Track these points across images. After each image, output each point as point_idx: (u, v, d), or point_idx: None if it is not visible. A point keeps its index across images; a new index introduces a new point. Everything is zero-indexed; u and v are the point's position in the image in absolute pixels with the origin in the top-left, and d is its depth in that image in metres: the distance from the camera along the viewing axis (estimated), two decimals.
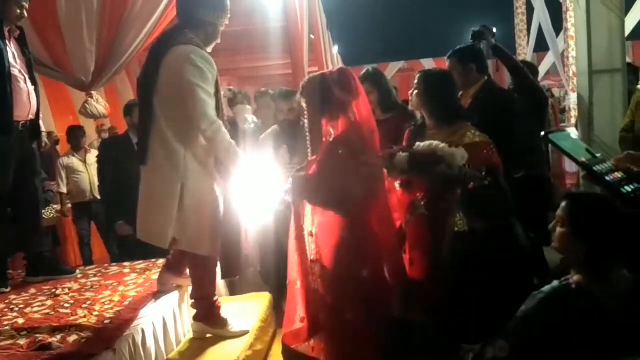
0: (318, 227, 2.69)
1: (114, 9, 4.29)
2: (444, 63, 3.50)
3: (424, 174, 2.63)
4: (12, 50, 3.27)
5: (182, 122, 2.60)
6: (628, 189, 1.10)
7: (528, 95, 3.63)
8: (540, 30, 9.61)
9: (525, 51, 10.57)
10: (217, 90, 2.69)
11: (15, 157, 3.28)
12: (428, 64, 13.64)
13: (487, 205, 2.51)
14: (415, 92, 2.94)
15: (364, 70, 3.68)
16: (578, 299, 1.80)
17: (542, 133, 1.28)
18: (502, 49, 3.63)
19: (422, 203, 2.74)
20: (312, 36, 6.58)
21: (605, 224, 1.79)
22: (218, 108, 2.67)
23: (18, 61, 3.31)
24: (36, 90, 3.41)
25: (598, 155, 1.20)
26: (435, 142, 2.67)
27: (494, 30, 3.64)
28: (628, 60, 4.94)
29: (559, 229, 1.91)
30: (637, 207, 1.12)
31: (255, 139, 4.48)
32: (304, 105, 2.78)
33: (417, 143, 2.75)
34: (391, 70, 15.86)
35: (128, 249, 4.26)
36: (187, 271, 3.08)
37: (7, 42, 3.24)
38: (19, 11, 3.26)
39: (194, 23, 2.71)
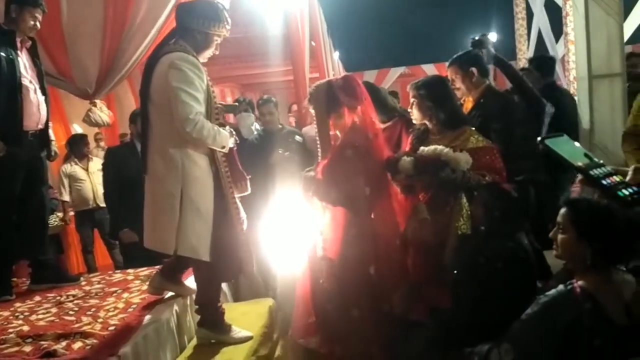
0: (326, 226, 2.76)
1: (116, 20, 4.33)
2: (445, 69, 3.53)
3: (428, 178, 2.67)
4: (23, 61, 3.29)
5: (176, 129, 2.62)
6: (625, 192, 1.11)
7: (527, 101, 3.66)
8: (540, 34, 9.63)
9: (525, 56, 10.55)
10: (209, 97, 2.70)
11: (23, 166, 3.31)
12: (429, 69, 13.67)
13: (496, 208, 2.53)
14: (414, 103, 2.97)
15: None
16: (583, 304, 1.81)
17: (539, 138, 1.28)
18: (502, 58, 3.67)
19: (425, 207, 2.77)
20: (313, 43, 6.61)
21: (607, 225, 1.80)
22: (209, 114, 2.68)
23: (29, 71, 3.33)
24: (46, 101, 3.44)
25: (596, 160, 1.20)
26: (440, 147, 2.71)
27: (495, 35, 3.67)
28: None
29: (560, 236, 1.92)
30: (633, 208, 1.13)
31: (258, 147, 4.52)
32: (312, 111, 2.88)
33: (422, 148, 2.78)
34: (392, 76, 15.89)
35: (132, 256, 4.27)
36: (181, 279, 3.09)
37: (19, 52, 3.26)
38: (32, 22, 3.28)
39: (184, 31, 2.75)
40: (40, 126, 3.40)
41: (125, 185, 4.15)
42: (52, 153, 3.59)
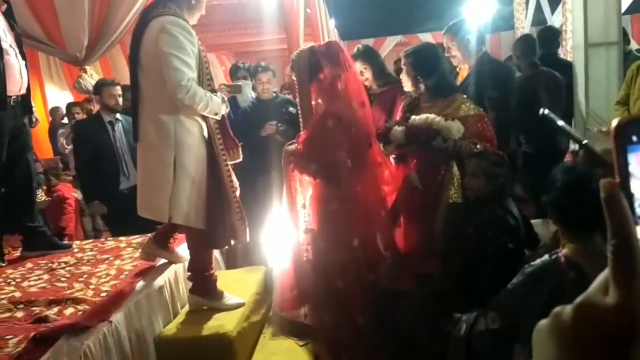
0: (309, 199, 2.73)
1: None
2: (441, 37, 3.49)
3: (420, 147, 2.65)
4: (1, 25, 3.22)
5: (167, 95, 2.58)
6: None
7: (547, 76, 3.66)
8: (538, 3, 9.51)
9: (523, 25, 10.45)
10: (201, 62, 2.65)
11: (8, 132, 3.27)
12: (426, 38, 13.49)
13: (487, 176, 2.53)
14: (405, 71, 2.93)
15: (355, 49, 3.64)
16: (567, 272, 1.81)
17: (541, 111, 1.26)
18: None
19: (416, 176, 2.77)
20: (308, 10, 6.50)
21: (581, 195, 1.79)
22: (201, 80, 2.63)
23: (8, 35, 3.26)
24: (26, 65, 3.37)
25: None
26: (431, 116, 2.68)
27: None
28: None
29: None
30: None
31: (251, 115, 4.47)
32: (294, 79, 2.80)
33: (413, 117, 2.76)
34: (389, 44, 15.69)
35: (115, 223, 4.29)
36: (174, 246, 3.10)
37: None
38: None
39: None
40: (23, 91, 3.32)
41: (94, 158, 4.13)
42: (34, 119, 3.54)
